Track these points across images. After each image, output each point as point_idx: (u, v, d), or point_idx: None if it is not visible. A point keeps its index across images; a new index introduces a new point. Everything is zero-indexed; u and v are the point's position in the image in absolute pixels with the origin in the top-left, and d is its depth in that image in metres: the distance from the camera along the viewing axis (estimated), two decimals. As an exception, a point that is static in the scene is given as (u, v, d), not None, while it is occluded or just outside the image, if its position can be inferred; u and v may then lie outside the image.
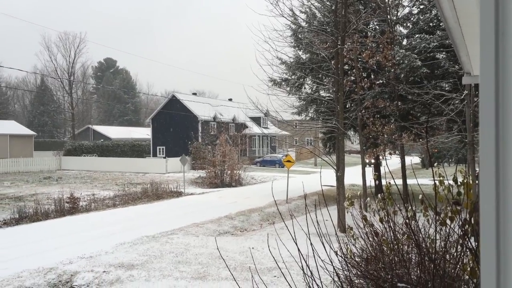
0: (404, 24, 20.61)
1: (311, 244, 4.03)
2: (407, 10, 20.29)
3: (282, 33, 15.72)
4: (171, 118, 47.71)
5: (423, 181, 22.39)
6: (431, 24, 19.04)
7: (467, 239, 3.58)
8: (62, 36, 70.81)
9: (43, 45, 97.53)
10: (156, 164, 39.22)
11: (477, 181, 5.94)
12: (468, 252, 3.65)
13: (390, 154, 20.81)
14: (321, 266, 4.11)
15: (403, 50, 17.38)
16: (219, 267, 8.97)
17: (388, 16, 18.56)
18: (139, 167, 39.14)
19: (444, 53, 17.98)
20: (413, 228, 4.06)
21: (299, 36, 19.04)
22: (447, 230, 3.88)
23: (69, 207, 17.59)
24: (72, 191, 19.89)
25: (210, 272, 8.74)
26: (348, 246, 4.68)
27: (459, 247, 3.80)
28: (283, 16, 14.39)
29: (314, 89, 20.50)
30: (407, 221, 4.10)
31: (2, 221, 15.77)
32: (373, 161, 22.85)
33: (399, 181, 17.54)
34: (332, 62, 14.87)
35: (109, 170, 39.78)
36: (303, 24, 18.26)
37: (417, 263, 4.09)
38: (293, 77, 20.50)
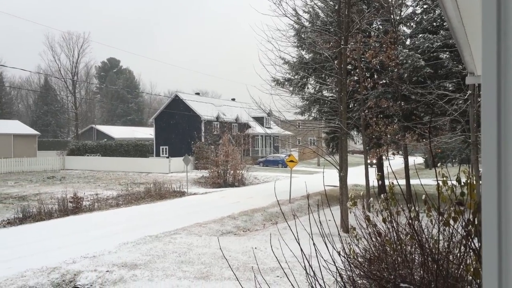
0: (408, 24, 20.56)
1: (314, 244, 4.02)
2: (410, 9, 20.26)
3: (285, 33, 15.78)
4: (174, 118, 47.76)
5: (426, 181, 22.29)
6: (434, 23, 18.99)
7: (470, 239, 3.57)
8: (65, 36, 71.25)
9: (46, 45, 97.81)
10: (159, 164, 39.28)
11: (480, 182, 5.92)
12: (472, 253, 3.64)
13: (393, 154, 20.77)
14: (324, 266, 4.11)
15: (407, 50, 17.34)
16: (222, 267, 8.98)
17: (392, 16, 18.53)
18: (142, 167, 39.22)
19: (447, 53, 17.93)
20: (416, 229, 4.05)
21: (302, 36, 19.04)
22: (450, 231, 3.87)
23: (73, 207, 17.63)
24: (75, 191, 19.94)
25: (213, 272, 8.74)
26: (351, 246, 4.68)
27: (462, 247, 3.79)
28: (286, 16, 14.40)
29: (317, 89, 20.49)
30: (410, 221, 4.09)
31: (6, 220, 15.83)
32: (374, 161, 22.80)
33: (402, 182, 17.52)
34: (335, 62, 14.86)
35: (112, 169, 39.88)
36: (306, 24, 18.25)
37: (420, 264, 4.08)
38: (296, 77, 20.50)
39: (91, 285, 8.14)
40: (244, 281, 7.48)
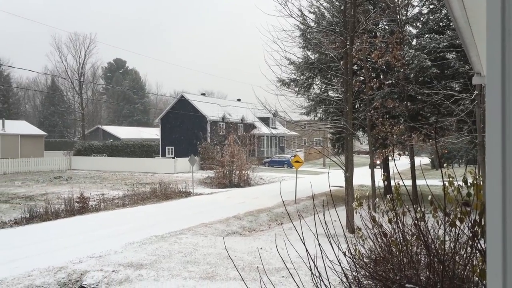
0: (414, 24, 20.48)
1: (319, 244, 4.02)
2: (416, 10, 20.17)
3: (290, 33, 15.74)
4: (180, 118, 47.87)
5: (432, 182, 22.21)
6: (441, 24, 18.90)
7: (476, 240, 3.55)
8: (72, 37, 71.72)
9: (53, 46, 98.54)
10: (165, 164, 39.38)
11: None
12: (478, 254, 3.62)
13: (399, 154, 20.69)
14: (329, 267, 4.10)
15: (413, 50, 17.27)
16: (228, 267, 8.98)
17: (398, 16, 18.46)
18: (148, 167, 39.34)
19: (454, 53, 17.84)
20: (422, 229, 4.03)
21: (308, 36, 19.02)
22: (457, 232, 3.85)
23: (79, 207, 17.72)
24: (82, 191, 20.04)
25: (219, 272, 8.75)
26: (357, 246, 4.66)
27: (468, 248, 3.77)
28: (292, 17, 14.38)
29: (322, 89, 20.45)
30: (416, 222, 4.07)
31: (13, 220, 15.94)
32: (378, 162, 22.71)
33: (408, 182, 17.46)
34: (341, 62, 14.83)
35: (118, 170, 40.04)
36: (312, 24, 18.23)
37: (426, 264, 4.06)
38: (301, 77, 20.47)
39: (97, 285, 8.18)
40: (249, 281, 7.48)
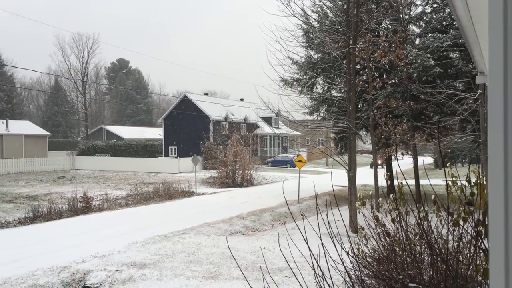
0: (417, 23, 20.43)
1: (322, 244, 4.02)
2: (420, 9, 20.13)
3: (293, 33, 15.73)
4: (183, 118, 47.92)
5: (436, 181, 22.18)
6: (444, 23, 18.85)
7: (480, 239, 3.54)
8: (75, 37, 71.76)
9: (57, 46, 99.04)
10: (168, 164, 39.44)
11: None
12: (482, 253, 3.62)
13: (403, 154, 20.66)
14: (332, 266, 4.10)
15: (416, 50, 17.24)
16: (231, 267, 8.99)
17: (401, 15, 18.43)
18: (151, 167, 39.41)
19: (457, 52, 17.79)
20: (425, 229, 4.03)
21: (311, 36, 19.01)
22: (460, 231, 3.84)
23: (82, 207, 17.77)
24: (85, 191, 20.09)
25: (222, 271, 8.76)
26: (360, 246, 4.66)
27: (472, 248, 3.77)
28: (295, 16, 14.37)
29: (325, 89, 20.44)
30: (419, 221, 4.07)
31: (17, 220, 16.00)
32: (379, 162, 22.66)
33: (412, 182, 17.42)
34: (344, 61, 14.81)
35: (121, 169, 40.12)
36: (315, 23, 18.21)
37: (429, 264, 4.06)
38: (304, 77, 20.46)
39: (100, 284, 8.20)
40: (252, 281, 7.48)
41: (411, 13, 19.86)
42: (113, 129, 68.64)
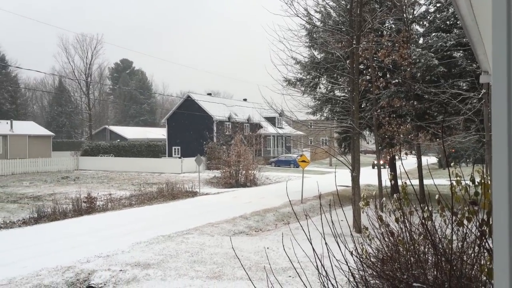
0: (421, 23, 20.38)
1: (326, 244, 4.01)
2: (423, 8, 20.07)
3: (296, 32, 15.71)
4: (186, 118, 47.97)
5: (440, 181, 22.10)
6: (448, 22, 18.79)
7: (484, 239, 3.53)
8: (79, 38, 72.04)
9: (60, 46, 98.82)
10: (172, 164, 39.49)
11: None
12: (486, 253, 3.61)
13: (406, 154, 20.62)
14: (336, 266, 4.09)
15: (420, 49, 17.19)
16: (234, 267, 9.00)
17: (404, 15, 18.38)
18: (154, 167, 39.47)
19: (461, 51, 17.73)
20: (429, 229, 4.02)
21: (314, 35, 18.99)
22: (464, 231, 3.83)
23: (86, 207, 17.82)
24: (89, 191, 20.15)
25: (225, 271, 8.77)
26: (364, 246, 4.65)
27: (476, 248, 3.75)
28: (298, 16, 14.38)
29: (329, 88, 20.41)
30: (423, 221, 4.06)
31: (22, 220, 16.06)
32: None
33: (415, 181, 17.38)
34: (347, 61, 14.79)
35: (125, 170, 40.20)
36: (318, 23, 18.20)
37: (433, 264, 4.05)
38: (308, 77, 20.44)
39: (104, 284, 8.23)
40: (256, 281, 7.48)
41: (415, 12, 19.82)
42: (116, 129, 68.79)
